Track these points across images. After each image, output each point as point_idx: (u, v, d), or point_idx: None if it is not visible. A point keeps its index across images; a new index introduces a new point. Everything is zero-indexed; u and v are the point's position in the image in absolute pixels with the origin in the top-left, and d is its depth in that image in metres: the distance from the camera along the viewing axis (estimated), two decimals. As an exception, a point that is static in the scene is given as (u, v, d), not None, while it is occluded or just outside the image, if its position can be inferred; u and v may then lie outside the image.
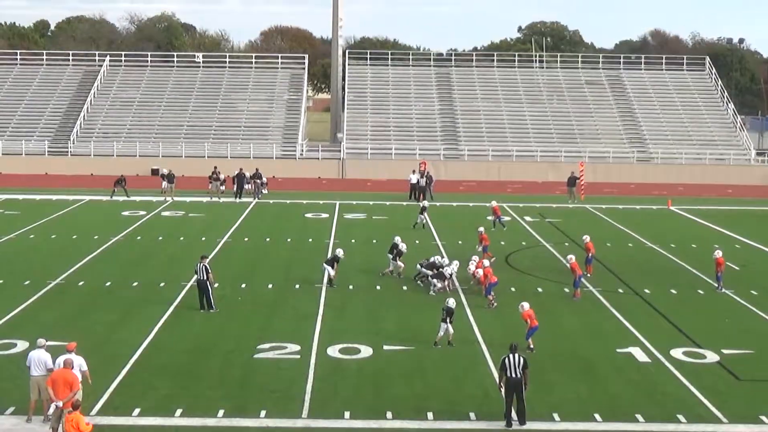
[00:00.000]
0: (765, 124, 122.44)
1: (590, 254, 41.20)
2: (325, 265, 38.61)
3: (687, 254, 46.43)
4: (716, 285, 39.03)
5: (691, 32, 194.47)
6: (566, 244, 48.60)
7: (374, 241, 46.76)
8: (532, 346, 29.43)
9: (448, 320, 29.97)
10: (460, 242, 40.74)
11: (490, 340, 30.49)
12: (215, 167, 66.89)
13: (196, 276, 34.28)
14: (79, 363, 23.20)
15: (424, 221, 52.79)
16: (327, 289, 37.35)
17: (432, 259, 39.00)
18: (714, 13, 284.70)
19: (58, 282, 38.15)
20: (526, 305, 30.13)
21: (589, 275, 40.22)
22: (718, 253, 39.54)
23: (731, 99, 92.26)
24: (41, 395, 23.07)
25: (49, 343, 24.55)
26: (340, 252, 39.37)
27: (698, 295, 38.24)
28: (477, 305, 34.86)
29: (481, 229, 44.91)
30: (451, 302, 30.57)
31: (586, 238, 42.31)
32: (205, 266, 33.99)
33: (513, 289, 37.73)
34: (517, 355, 23.70)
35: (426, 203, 55.80)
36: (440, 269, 37.63)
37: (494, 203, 54.30)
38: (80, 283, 38.05)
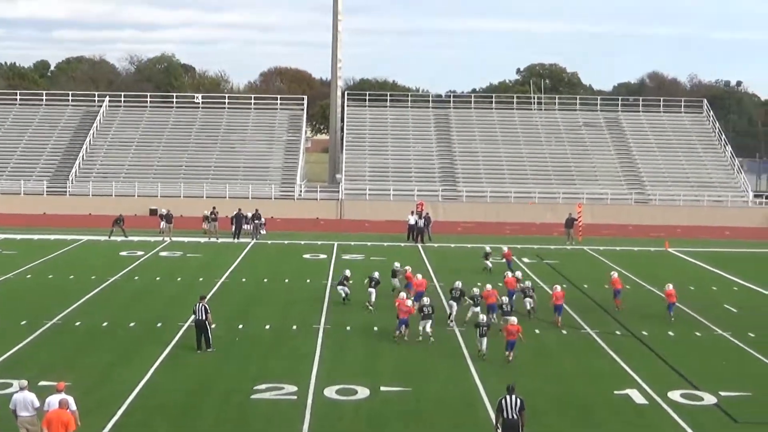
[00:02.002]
0: (762, 166, 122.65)
1: (618, 288, 43.49)
2: (339, 287, 43.25)
3: (684, 296, 46.23)
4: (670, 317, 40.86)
5: (688, 74, 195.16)
6: (564, 285, 48.44)
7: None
8: (510, 359, 32.58)
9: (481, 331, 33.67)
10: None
11: (487, 381, 30.45)
12: (214, 207, 66.90)
13: (194, 316, 34.28)
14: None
15: (490, 266, 52.56)
16: (325, 330, 37.38)
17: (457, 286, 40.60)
18: (712, 56, 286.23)
19: (55, 322, 38.10)
20: (513, 319, 34.00)
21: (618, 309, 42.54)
22: (669, 286, 41.56)
23: (729, 141, 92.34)
24: (30, 435, 23.09)
25: (45, 383, 24.47)
26: (347, 272, 44.40)
27: (696, 336, 38.20)
28: (472, 346, 34.76)
29: (408, 267, 46.08)
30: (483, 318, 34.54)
31: (614, 274, 45.01)
32: (205, 306, 34.06)
33: (510, 330, 37.67)
34: (514, 396, 23.64)
35: (488, 248, 55.15)
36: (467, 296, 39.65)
37: (506, 248, 54.33)
38: (77, 324, 38.00)
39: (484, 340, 33.48)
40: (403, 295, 38.67)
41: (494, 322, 37.42)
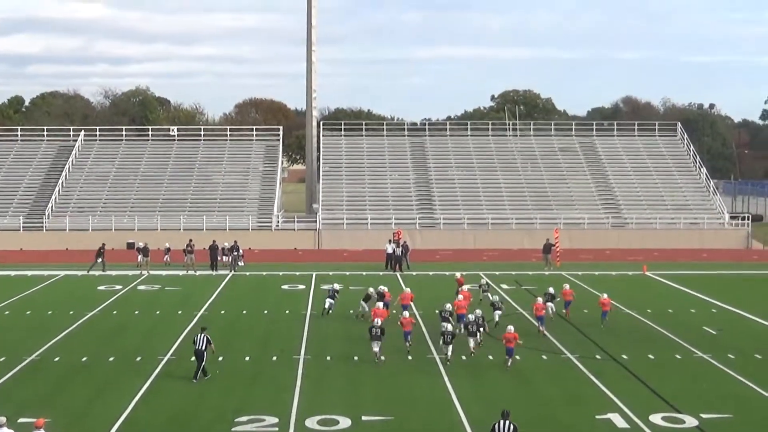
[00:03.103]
0: (737, 187, 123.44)
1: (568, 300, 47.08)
2: (328, 299, 46.89)
3: (663, 319, 46.51)
4: (602, 324, 44.18)
5: (662, 98, 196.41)
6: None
7: (351, 311, 46.63)
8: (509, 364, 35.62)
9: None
10: (437, 311, 40.78)
11: (468, 407, 30.41)
12: (190, 240, 66.74)
13: (195, 346, 34.34)
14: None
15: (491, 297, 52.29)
16: (305, 361, 37.30)
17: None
18: (684, 79, 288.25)
19: (34, 358, 37.86)
20: (511, 328, 36.36)
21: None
22: (603, 296, 45.65)
23: (703, 164, 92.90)
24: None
25: (24, 420, 24.30)
26: (336, 286, 48.28)
27: (676, 359, 38.26)
28: (453, 373, 34.81)
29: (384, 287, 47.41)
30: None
31: (566, 286, 48.38)
32: (207, 337, 34.37)
33: (491, 357, 37.65)
34: (508, 422, 23.51)
35: (485, 279, 55.17)
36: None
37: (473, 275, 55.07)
38: (56, 359, 37.78)
39: (449, 348, 36.31)
40: (379, 304, 41.75)
41: (460, 333, 39.00)
